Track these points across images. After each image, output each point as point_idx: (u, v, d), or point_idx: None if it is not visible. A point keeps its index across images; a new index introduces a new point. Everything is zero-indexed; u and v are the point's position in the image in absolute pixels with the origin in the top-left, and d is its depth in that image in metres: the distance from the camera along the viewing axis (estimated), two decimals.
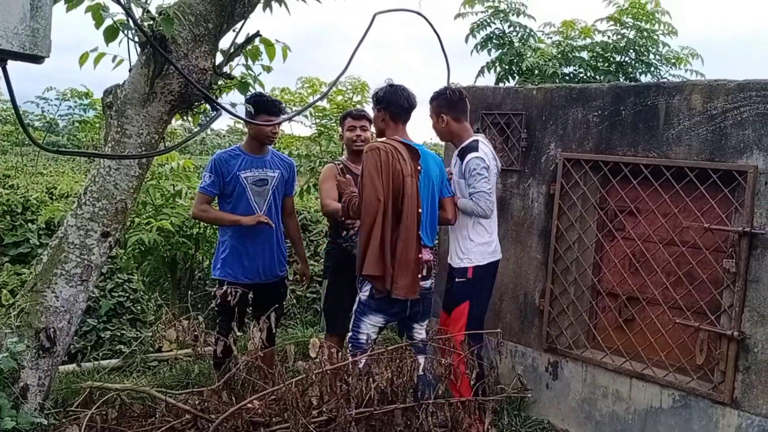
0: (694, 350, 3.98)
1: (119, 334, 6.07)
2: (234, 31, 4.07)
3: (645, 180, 4.18)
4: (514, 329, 4.82)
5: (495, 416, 4.12)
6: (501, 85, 8.54)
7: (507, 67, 8.87)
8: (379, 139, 4.22)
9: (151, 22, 3.50)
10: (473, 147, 4.31)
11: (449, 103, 4.37)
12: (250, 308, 4.82)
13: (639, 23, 8.34)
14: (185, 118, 4.27)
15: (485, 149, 4.31)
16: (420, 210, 4.10)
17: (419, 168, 4.16)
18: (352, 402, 3.27)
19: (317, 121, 7.84)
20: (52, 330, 3.65)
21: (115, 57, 3.87)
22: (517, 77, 8.82)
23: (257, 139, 4.79)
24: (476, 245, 4.35)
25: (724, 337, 3.83)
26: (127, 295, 6.40)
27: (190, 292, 6.59)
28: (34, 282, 3.69)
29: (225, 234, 4.79)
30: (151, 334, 6.10)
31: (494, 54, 8.92)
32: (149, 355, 5.92)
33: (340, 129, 5.16)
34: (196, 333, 3.68)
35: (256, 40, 4.15)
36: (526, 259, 4.79)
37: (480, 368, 3.92)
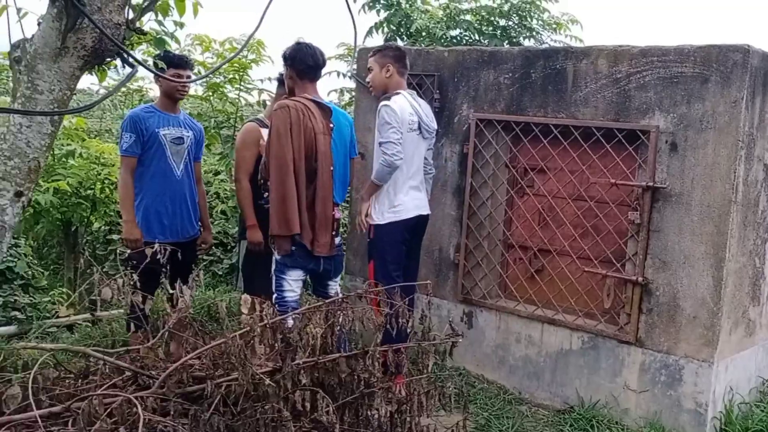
0: (601, 296, 4.33)
1: (12, 300, 5.82)
2: None
3: (554, 139, 4.46)
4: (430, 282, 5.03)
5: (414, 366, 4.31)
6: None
7: (395, 28, 9.01)
8: (289, 98, 4.26)
9: None
10: (388, 97, 4.43)
11: (396, 57, 4.49)
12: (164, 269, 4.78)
13: None
14: (92, 73, 4.17)
15: (401, 101, 4.39)
16: (332, 168, 4.22)
17: (331, 125, 4.25)
18: (300, 352, 3.36)
19: (209, 79, 7.67)
20: None
21: (19, 10, 3.71)
22: (406, 39, 8.98)
23: (168, 95, 4.75)
24: (378, 204, 4.50)
25: (629, 282, 4.20)
26: (16, 259, 6.13)
27: (100, 254, 6.38)
28: None
29: (139, 194, 4.70)
30: (48, 299, 5.90)
31: (383, 14, 9.02)
32: (46, 321, 5.72)
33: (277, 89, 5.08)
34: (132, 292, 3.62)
35: None
36: (441, 216, 5.00)
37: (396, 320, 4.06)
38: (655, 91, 4.08)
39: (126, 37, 3.94)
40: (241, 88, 7.08)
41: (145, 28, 4.24)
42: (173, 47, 4.62)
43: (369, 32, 9.26)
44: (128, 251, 4.78)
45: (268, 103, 6.73)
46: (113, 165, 6.15)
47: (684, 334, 4.04)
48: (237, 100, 7.12)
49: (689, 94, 3.97)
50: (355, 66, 5.54)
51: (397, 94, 4.44)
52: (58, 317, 5.83)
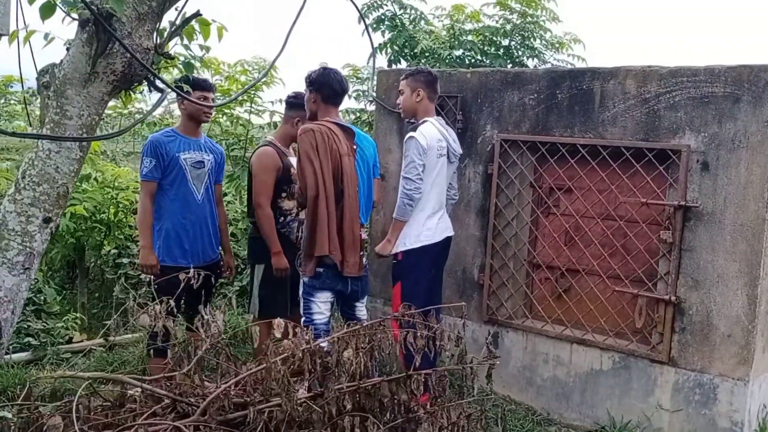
0: (632, 315, 4.33)
1: (25, 326, 5.74)
2: (176, 9, 3.97)
3: (581, 159, 4.46)
4: (452, 303, 5.00)
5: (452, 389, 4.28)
6: (393, 67, 8.71)
7: (399, 49, 9.04)
8: (313, 122, 4.27)
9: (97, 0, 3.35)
10: (415, 127, 4.43)
11: (428, 82, 4.49)
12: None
13: (525, 8, 8.74)
14: (119, 98, 4.15)
15: (429, 129, 4.41)
16: (357, 189, 4.22)
17: (355, 147, 4.26)
18: (343, 377, 3.33)
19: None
20: None
21: (46, 35, 3.69)
22: (410, 59, 9.01)
23: (193, 117, 4.72)
24: (409, 228, 4.47)
25: (661, 302, 4.19)
26: (36, 285, 6.07)
27: (121, 280, 6.31)
28: None
29: (159, 219, 4.65)
30: (61, 324, 5.81)
31: (387, 35, 9.06)
32: (61, 347, 5.64)
33: (289, 111, 5.04)
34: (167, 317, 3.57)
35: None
36: (464, 237, 4.99)
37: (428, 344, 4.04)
38: (685, 111, 4.10)
39: (154, 62, 3.93)
40: (252, 110, 7.07)
41: (171, 52, 4.23)
42: (197, 71, 4.60)
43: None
44: (149, 276, 4.73)
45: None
46: (127, 188, 6.11)
47: (718, 353, 4.03)
48: (248, 122, 7.09)
49: (720, 114, 3.99)
50: (374, 88, 5.54)
51: (425, 122, 4.44)
52: (71, 342, 5.76)
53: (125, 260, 6.72)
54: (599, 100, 4.42)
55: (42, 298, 5.99)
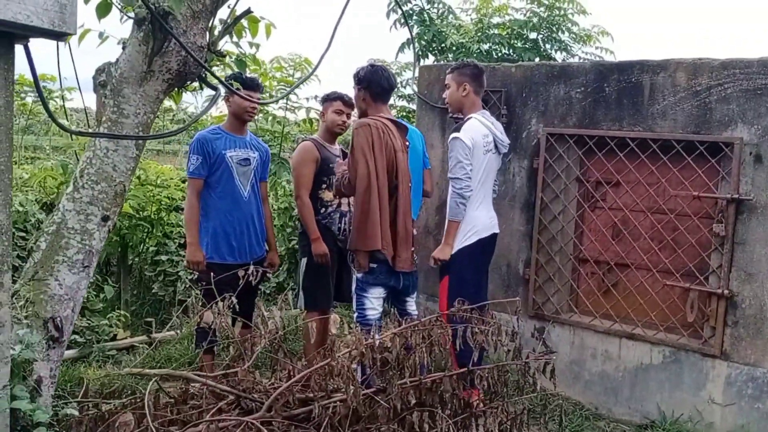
0: (683, 310, 4.32)
1: None
2: (228, 6, 3.99)
3: (630, 152, 4.46)
4: (497, 298, 5.00)
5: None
6: (421, 62, 8.71)
7: (426, 43, 9.04)
8: (368, 117, 4.29)
9: None
10: (458, 127, 4.43)
11: (474, 76, 4.50)
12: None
13: (553, 1, 8.71)
14: (171, 96, 4.18)
15: (474, 126, 4.40)
16: (410, 184, 4.26)
17: (407, 143, 4.30)
18: (406, 372, 3.35)
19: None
20: (59, 319, 3.49)
21: (101, 34, 3.72)
22: (437, 54, 9.01)
23: (237, 116, 4.75)
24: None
25: (713, 295, 4.18)
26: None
27: (181, 274, 6.32)
28: (34, 270, 3.50)
29: (207, 216, 4.68)
30: (105, 322, 5.86)
31: (415, 30, 9.05)
32: (107, 344, 5.69)
33: (321, 107, 5.12)
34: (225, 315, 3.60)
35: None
36: (509, 232, 4.99)
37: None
38: (737, 103, 4.09)
39: (207, 60, 3.96)
40: (287, 106, 7.08)
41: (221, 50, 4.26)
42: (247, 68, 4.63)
43: (401, 48, 9.30)
44: (195, 273, 4.78)
45: (314, 121, 6.78)
46: (169, 186, 6.15)
47: None
48: (284, 119, 7.10)
49: None
50: (415, 81, 5.55)
51: (469, 119, 4.44)
52: (116, 340, 5.81)
53: (163, 257, 6.76)
54: (648, 93, 4.41)
55: (86, 296, 6.04)
